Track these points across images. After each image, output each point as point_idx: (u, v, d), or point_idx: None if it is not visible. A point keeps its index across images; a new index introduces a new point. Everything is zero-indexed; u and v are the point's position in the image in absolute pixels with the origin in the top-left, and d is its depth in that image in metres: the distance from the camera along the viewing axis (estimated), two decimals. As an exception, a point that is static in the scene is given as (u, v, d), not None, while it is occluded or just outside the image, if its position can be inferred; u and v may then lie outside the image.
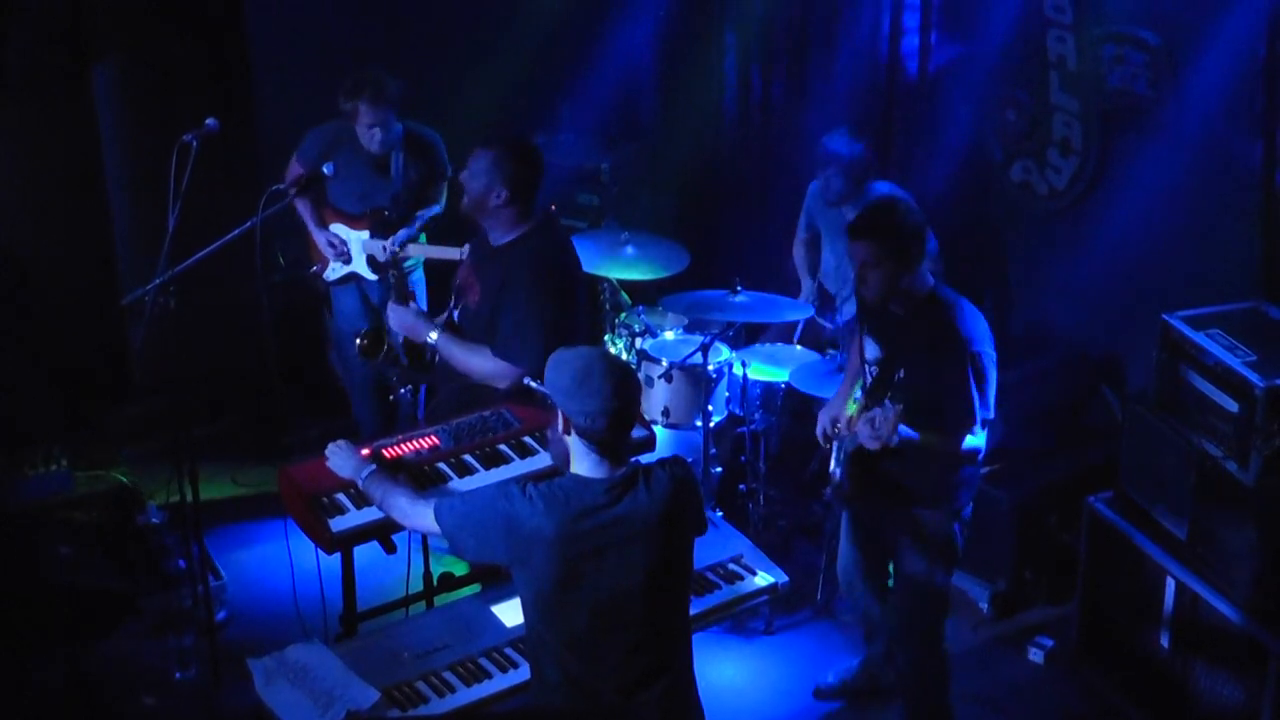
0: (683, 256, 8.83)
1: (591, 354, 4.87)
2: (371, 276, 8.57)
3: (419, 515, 5.20)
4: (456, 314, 6.81)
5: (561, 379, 4.82)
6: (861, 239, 6.10)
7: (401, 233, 8.37)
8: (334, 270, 8.67)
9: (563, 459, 4.99)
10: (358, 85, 8.20)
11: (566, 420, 4.84)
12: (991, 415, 6.19)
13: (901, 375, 6.19)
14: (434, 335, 6.67)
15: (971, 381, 6.03)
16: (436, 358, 6.85)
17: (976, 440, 6.18)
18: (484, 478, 6.01)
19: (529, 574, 4.80)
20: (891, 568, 6.86)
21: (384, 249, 8.23)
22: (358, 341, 7.50)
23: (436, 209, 8.66)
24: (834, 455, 6.71)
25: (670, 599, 5.05)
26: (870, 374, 6.39)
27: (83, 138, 8.67)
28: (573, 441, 4.87)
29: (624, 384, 4.83)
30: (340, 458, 5.67)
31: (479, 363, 6.57)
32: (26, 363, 7.95)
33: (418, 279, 8.42)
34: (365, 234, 8.50)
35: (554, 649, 4.90)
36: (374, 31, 10.14)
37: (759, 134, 10.45)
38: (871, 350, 6.40)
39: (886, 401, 5.96)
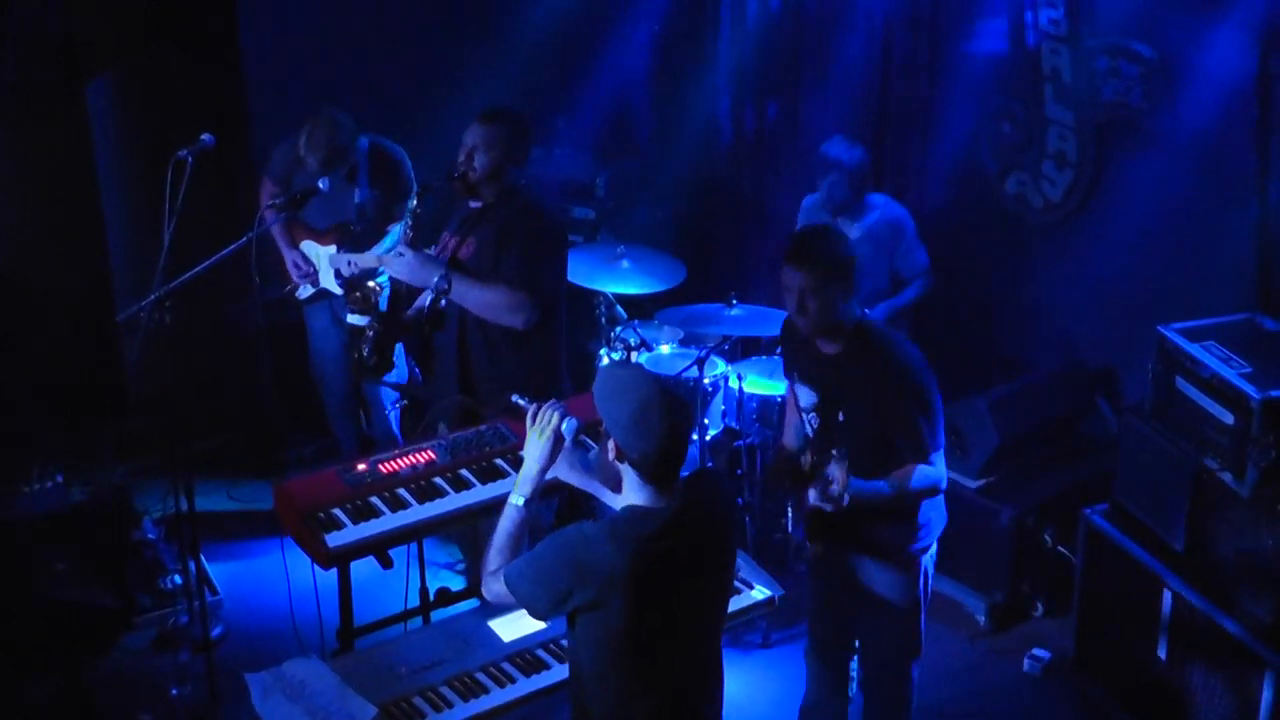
0: (678, 270, 8.83)
1: (650, 390, 4.73)
2: (339, 291, 8.52)
3: (493, 594, 5.05)
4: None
5: (619, 414, 4.71)
6: (804, 263, 5.84)
7: (376, 247, 8.31)
8: (304, 289, 8.68)
9: (612, 482, 4.91)
10: (304, 131, 8.33)
11: (620, 450, 4.74)
12: (942, 445, 5.96)
13: (843, 418, 5.93)
14: (441, 278, 6.79)
15: (918, 411, 5.84)
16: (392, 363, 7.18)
17: (935, 472, 5.92)
18: (480, 492, 6.03)
19: (604, 615, 4.70)
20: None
21: (348, 264, 8.23)
22: (354, 294, 7.47)
23: (399, 226, 8.57)
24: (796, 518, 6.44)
25: (719, 623, 5.08)
26: (810, 423, 6.14)
27: (77, 153, 8.65)
28: (625, 470, 4.78)
29: (681, 423, 4.76)
30: None
31: (494, 296, 6.80)
32: (21, 378, 7.95)
33: (382, 283, 8.45)
34: (332, 248, 8.49)
35: (613, 686, 4.84)
36: (368, 47, 10.14)
37: (754, 147, 10.45)
38: (806, 397, 6.15)
39: (834, 453, 5.65)
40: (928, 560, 6.23)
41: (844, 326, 5.90)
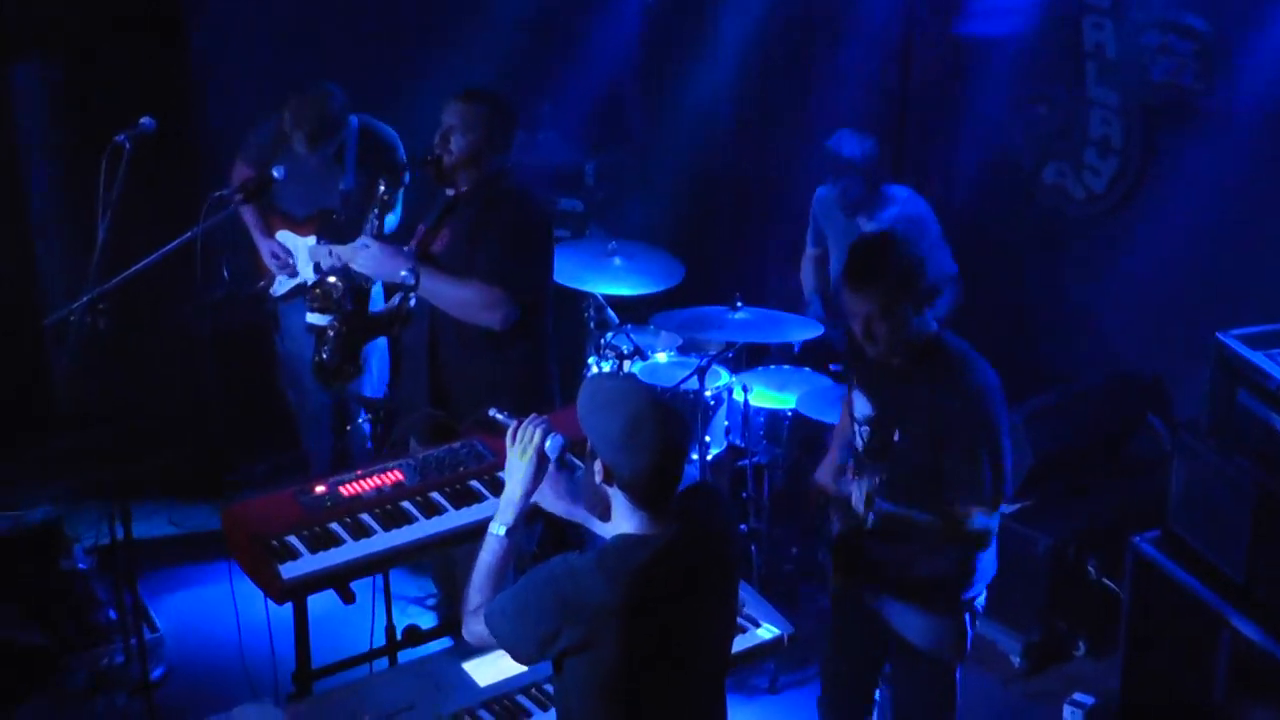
0: (676, 269, 8.83)
1: (642, 401, 4.66)
2: (279, 289, 8.49)
3: (473, 635, 4.96)
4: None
5: (608, 429, 4.64)
6: (867, 287, 5.70)
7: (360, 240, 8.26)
8: (280, 284, 8.62)
9: (601, 509, 4.84)
10: (291, 104, 8.29)
11: (609, 471, 4.67)
12: (1009, 490, 5.85)
13: (899, 438, 5.80)
14: (409, 272, 6.74)
15: (984, 449, 5.71)
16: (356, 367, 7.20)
17: (989, 520, 5.82)
18: (454, 518, 5.98)
19: (596, 654, 4.63)
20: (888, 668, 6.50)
21: (328, 255, 8.18)
22: (314, 290, 7.35)
23: (393, 218, 8.51)
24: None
25: (723, 660, 5.03)
26: (861, 435, 6.03)
27: (1, 141, 8.63)
28: (615, 495, 4.71)
29: (677, 438, 4.70)
30: None
31: (467, 293, 6.75)
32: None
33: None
34: (312, 239, 8.44)
35: None
36: (331, 25, 10.11)
37: (760, 133, 10.44)
38: (862, 407, 6.03)
39: (867, 475, 5.67)
40: (972, 612, 6.12)
41: (914, 343, 5.78)
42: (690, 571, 4.70)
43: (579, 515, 5.09)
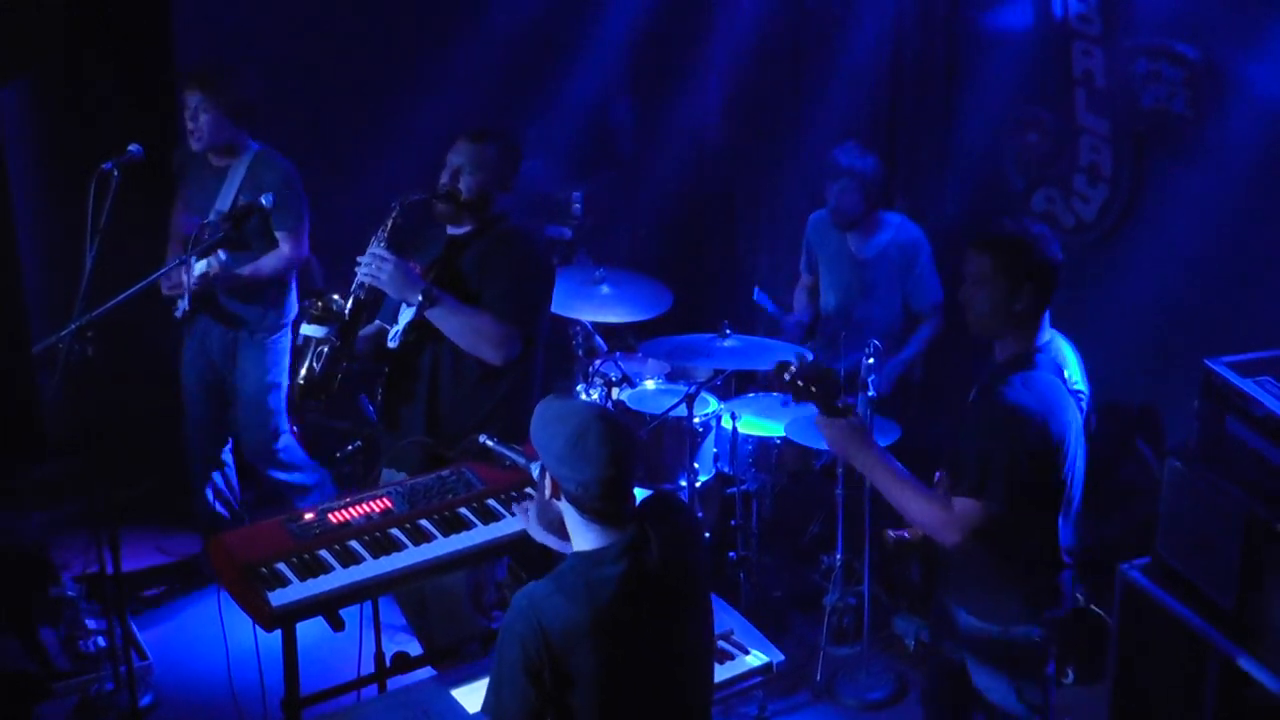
0: (664, 297, 8.84)
1: (586, 414, 4.74)
2: (180, 311, 8.07)
3: None
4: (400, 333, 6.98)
5: (552, 442, 4.72)
6: (981, 250, 5.78)
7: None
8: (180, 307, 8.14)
9: (556, 526, 4.90)
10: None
11: (556, 485, 4.75)
12: (981, 496, 5.72)
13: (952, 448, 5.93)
14: (424, 291, 6.73)
15: (976, 443, 5.72)
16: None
17: (955, 509, 5.73)
18: (442, 545, 6.00)
19: (573, 681, 4.62)
20: None
21: (180, 269, 7.84)
22: (317, 304, 7.13)
23: (267, 265, 8.25)
24: None
25: (705, 665, 5.04)
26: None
27: (-16, 164, 8.64)
28: (566, 510, 4.77)
29: (623, 449, 4.72)
30: None
31: (480, 322, 6.78)
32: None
33: (281, 347, 8.30)
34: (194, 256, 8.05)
35: None
36: (314, 50, 10.12)
37: (750, 160, 10.44)
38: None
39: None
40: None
41: (1010, 344, 5.90)
42: (653, 580, 4.72)
43: (565, 544, 5.14)
